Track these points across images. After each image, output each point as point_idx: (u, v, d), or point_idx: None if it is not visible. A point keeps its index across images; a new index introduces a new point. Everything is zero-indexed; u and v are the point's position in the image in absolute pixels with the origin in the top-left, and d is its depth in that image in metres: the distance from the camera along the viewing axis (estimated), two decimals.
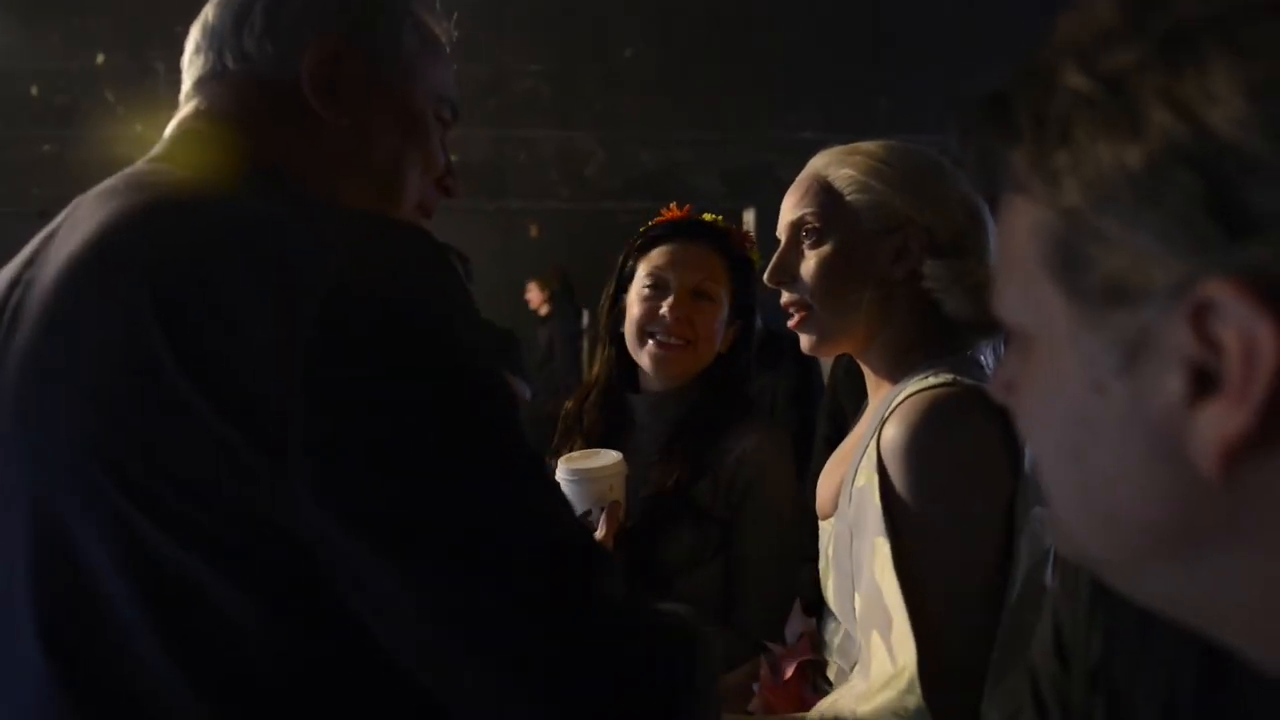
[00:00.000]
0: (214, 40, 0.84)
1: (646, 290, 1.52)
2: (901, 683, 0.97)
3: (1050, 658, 0.60)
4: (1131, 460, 0.39)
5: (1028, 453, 1.02)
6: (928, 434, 1.00)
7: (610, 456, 1.41)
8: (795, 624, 1.26)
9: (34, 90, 5.57)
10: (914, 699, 0.95)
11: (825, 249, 1.14)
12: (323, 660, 0.68)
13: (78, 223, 0.77)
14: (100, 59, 5.55)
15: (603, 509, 1.37)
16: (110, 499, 0.67)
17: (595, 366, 1.64)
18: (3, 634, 0.73)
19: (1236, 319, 0.35)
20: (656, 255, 1.54)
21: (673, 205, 1.60)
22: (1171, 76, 0.36)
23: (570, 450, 1.51)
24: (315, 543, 0.65)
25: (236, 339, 0.65)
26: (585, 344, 5.96)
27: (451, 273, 0.72)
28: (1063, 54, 0.40)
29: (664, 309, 1.49)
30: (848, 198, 1.13)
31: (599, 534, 1.36)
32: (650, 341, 1.51)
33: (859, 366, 1.21)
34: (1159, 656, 0.51)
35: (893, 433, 1.02)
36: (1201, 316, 0.36)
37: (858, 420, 1.26)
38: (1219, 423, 0.36)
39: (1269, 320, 0.35)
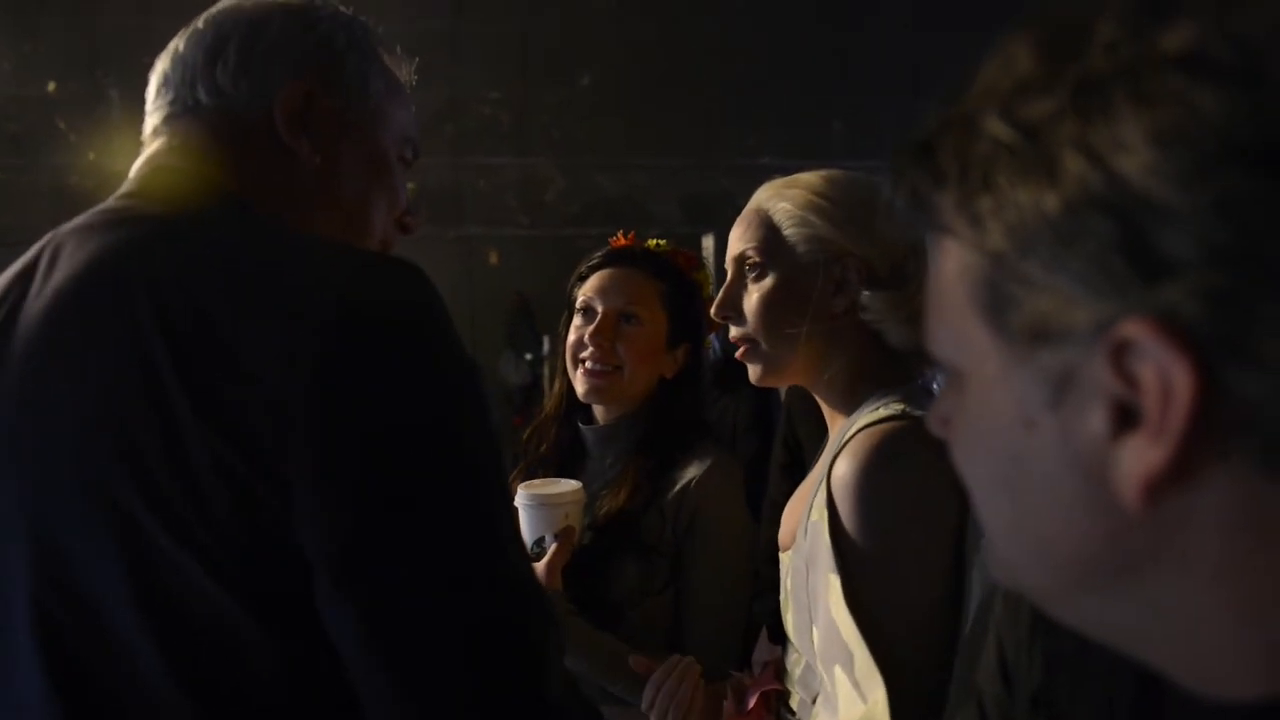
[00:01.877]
0: (185, 73, 0.85)
1: (577, 318, 1.55)
2: (874, 717, 0.97)
3: (995, 680, 0.61)
4: (1060, 493, 0.41)
5: None
6: (875, 470, 1.01)
7: (569, 485, 1.42)
8: (762, 652, 1.27)
9: None
10: None
11: (766, 283, 1.15)
12: (324, 680, 0.68)
13: (61, 259, 0.77)
14: (52, 86, 5.48)
15: (557, 536, 1.38)
16: (114, 522, 0.68)
17: (550, 399, 1.65)
18: (1, 667, 0.72)
19: (1153, 357, 0.36)
20: (589, 284, 1.56)
21: (619, 234, 1.62)
22: (1085, 126, 0.38)
23: (528, 479, 1.51)
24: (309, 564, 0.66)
25: (237, 366, 0.66)
26: (546, 370, 5.95)
27: (441, 305, 0.73)
28: (984, 101, 0.41)
29: (586, 335, 1.52)
30: (785, 232, 1.14)
31: (548, 559, 1.36)
32: (580, 368, 1.53)
33: (812, 395, 1.22)
34: (1097, 678, 0.53)
35: (842, 469, 1.03)
36: (1121, 355, 0.37)
37: (815, 449, 1.26)
38: (1140, 456, 0.38)
39: (1184, 358, 0.36)
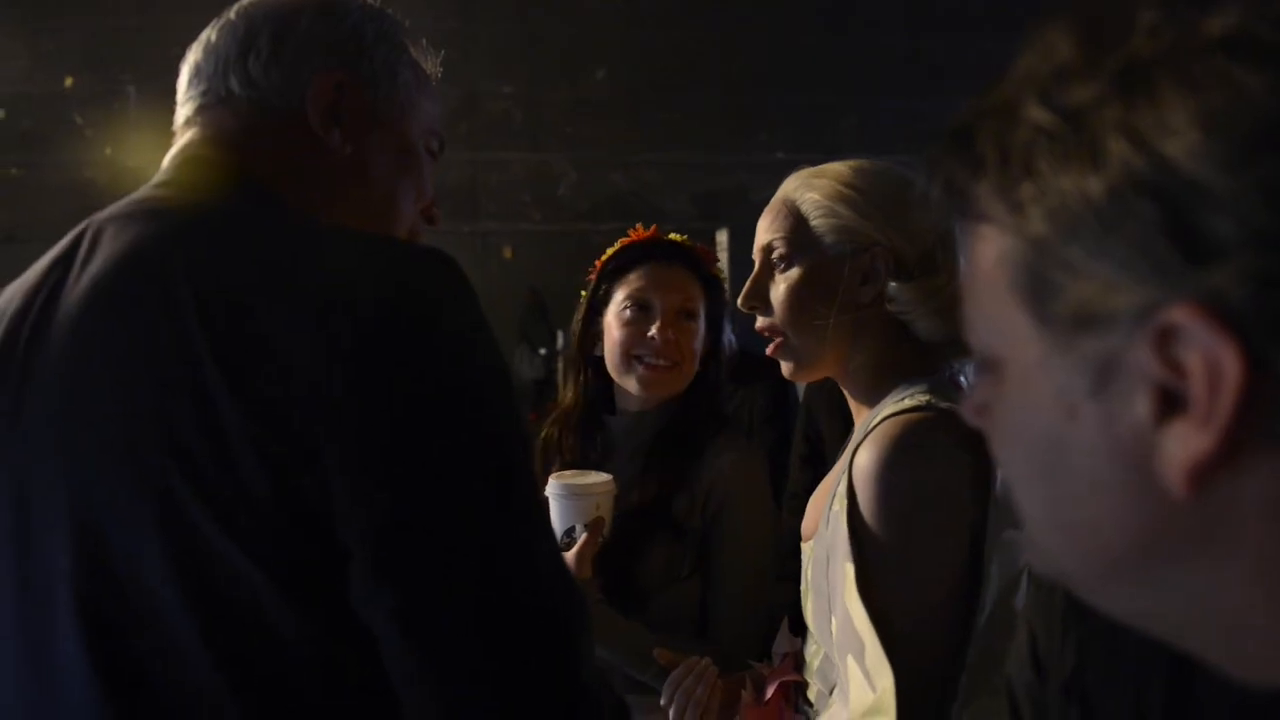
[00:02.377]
0: (218, 64, 0.85)
1: (629, 313, 1.52)
2: (882, 707, 0.97)
3: (1026, 669, 0.61)
4: (1102, 480, 0.40)
5: (999, 476, 1.03)
6: (894, 460, 1.02)
7: (600, 476, 1.43)
8: (782, 644, 1.27)
9: (0, 114, 5.51)
10: None
11: (793, 274, 1.15)
12: (359, 666, 0.69)
13: (100, 247, 0.78)
14: (69, 82, 5.51)
15: (587, 526, 1.39)
16: (158, 510, 0.69)
17: (569, 389, 1.64)
18: (45, 663, 0.73)
19: (1199, 343, 0.36)
20: (635, 278, 1.54)
21: (639, 226, 1.61)
22: (1129, 110, 0.38)
23: (559, 470, 1.52)
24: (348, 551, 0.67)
25: (275, 358, 0.67)
26: (560, 365, 5.96)
27: (473, 295, 0.74)
28: (1023, 89, 0.41)
29: (652, 332, 1.50)
30: (813, 222, 1.14)
31: (578, 548, 1.37)
32: (639, 365, 1.51)
33: (833, 388, 1.22)
34: (1129, 665, 0.53)
35: (863, 458, 1.04)
36: (1165, 341, 0.37)
37: (834, 441, 1.27)
38: (1185, 443, 0.38)
39: (1231, 343, 0.36)
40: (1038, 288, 0.40)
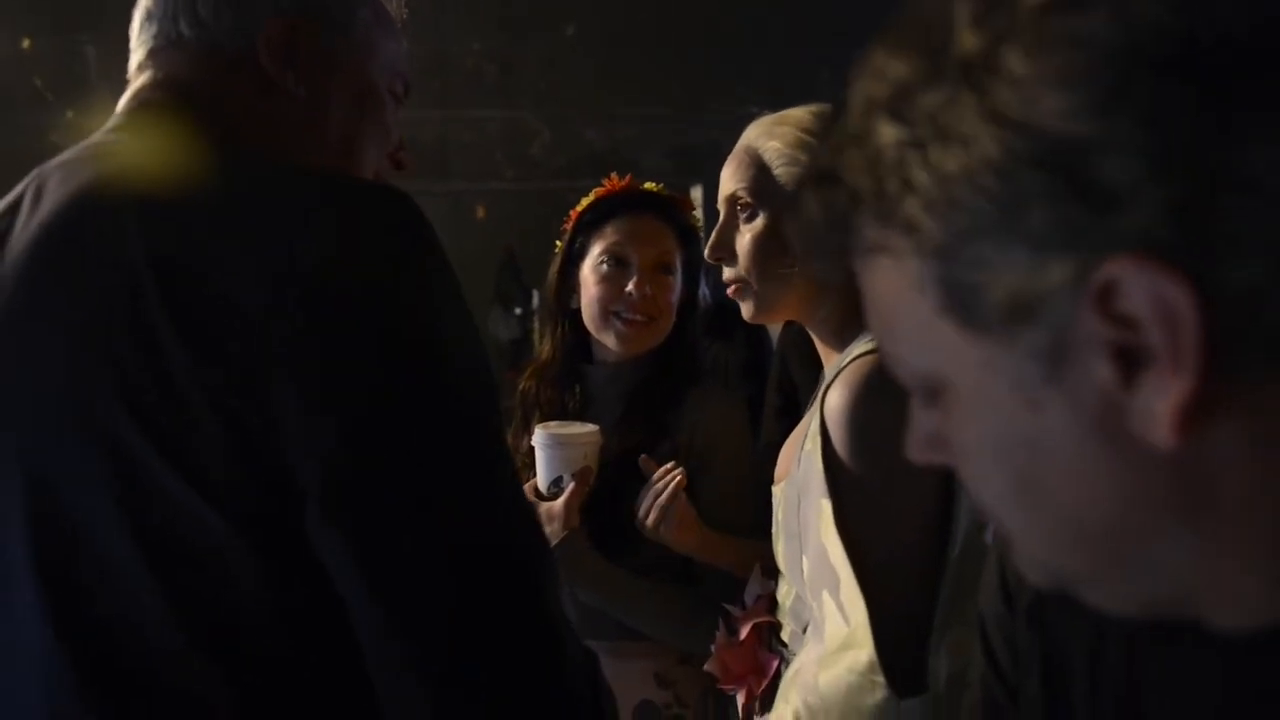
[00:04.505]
0: (167, 6, 0.83)
1: (606, 267, 1.51)
2: (856, 640, 0.99)
3: (995, 599, 0.61)
4: (1084, 464, 0.40)
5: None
6: (866, 397, 1.03)
7: (587, 426, 1.43)
8: (754, 586, 1.29)
9: None
10: (865, 653, 0.98)
11: (756, 224, 1.14)
12: (319, 609, 0.69)
13: (47, 193, 0.76)
14: (26, 43, 5.39)
15: (574, 476, 1.40)
16: (108, 453, 0.68)
17: (545, 343, 1.64)
18: (4, 615, 0.73)
19: (1142, 289, 0.36)
20: (611, 231, 1.52)
21: (613, 176, 1.59)
22: (984, 96, 0.37)
23: (530, 426, 1.52)
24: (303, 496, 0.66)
25: (225, 297, 0.66)
26: (536, 320, 5.95)
27: (429, 230, 0.72)
28: (871, 115, 0.41)
29: (630, 287, 1.49)
30: (775, 171, 1.14)
31: (565, 497, 1.38)
32: (617, 321, 1.50)
33: (807, 337, 1.23)
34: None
35: (834, 397, 1.05)
36: (1107, 300, 0.36)
37: (809, 392, 1.27)
38: (1162, 393, 0.37)
39: (1173, 277, 0.35)
40: (959, 297, 0.40)
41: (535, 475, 1.45)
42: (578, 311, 1.56)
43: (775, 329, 2.34)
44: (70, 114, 5.12)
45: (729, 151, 1.20)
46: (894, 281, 0.42)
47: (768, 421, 2.20)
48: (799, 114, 1.16)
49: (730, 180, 1.17)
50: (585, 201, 1.58)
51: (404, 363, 0.68)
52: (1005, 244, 0.38)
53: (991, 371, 0.40)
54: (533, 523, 0.74)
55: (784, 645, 1.19)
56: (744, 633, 1.24)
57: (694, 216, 1.60)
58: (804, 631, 1.13)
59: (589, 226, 1.55)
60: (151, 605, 0.68)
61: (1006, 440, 0.42)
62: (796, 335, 1.82)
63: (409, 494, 0.67)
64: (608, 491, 1.45)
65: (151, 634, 0.68)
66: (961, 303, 0.40)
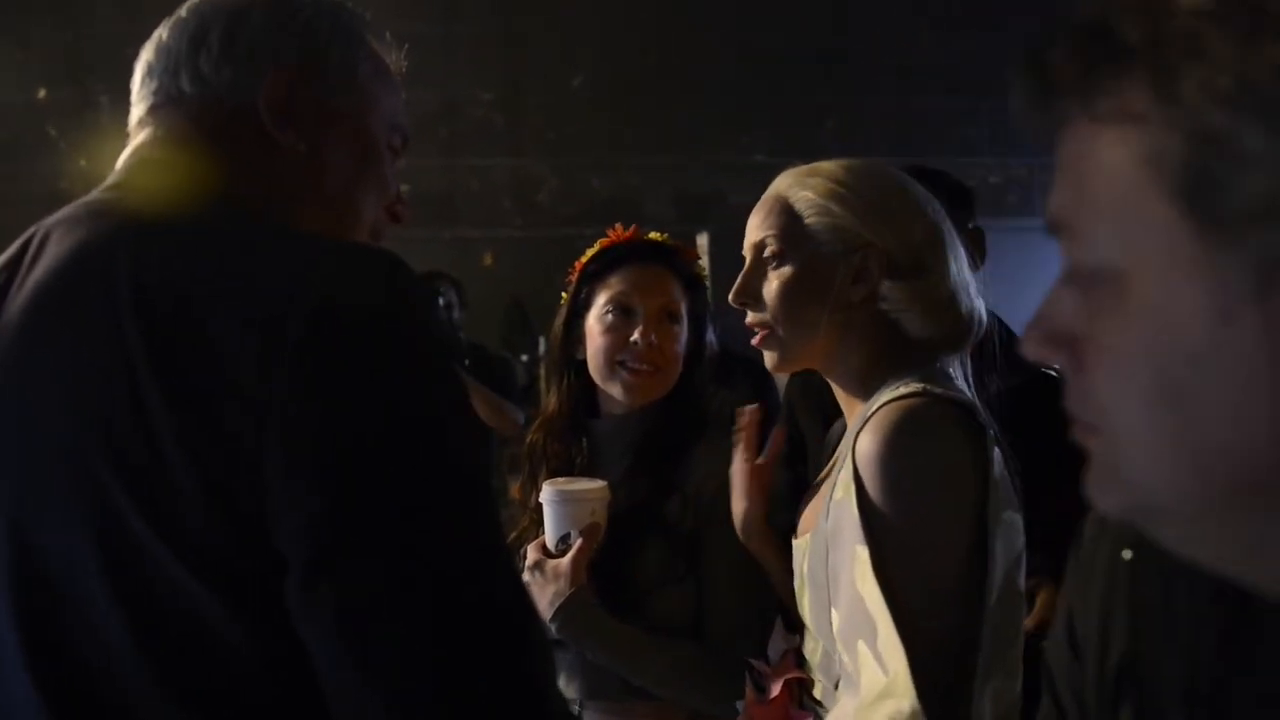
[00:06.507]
0: (169, 62, 0.84)
1: (611, 317, 1.50)
2: (896, 689, 0.98)
3: (1064, 651, 0.59)
4: (1260, 391, 0.37)
5: (996, 457, 1.04)
6: (900, 442, 1.03)
7: (595, 482, 1.42)
8: (778, 642, 1.27)
9: None
10: (907, 703, 0.96)
11: (785, 270, 1.15)
12: (300, 678, 0.67)
13: (44, 252, 0.77)
14: (43, 93, 5.46)
15: (581, 533, 1.38)
16: (94, 517, 0.68)
17: (551, 395, 1.63)
18: None
19: None
20: (617, 281, 1.52)
21: (618, 226, 1.59)
22: None
23: (538, 481, 1.51)
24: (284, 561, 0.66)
25: (218, 363, 0.66)
26: (542, 371, 5.95)
27: (420, 297, 0.72)
28: None
29: (635, 336, 1.48)
30: (807, 220, 1.15)
31: (572, 554, 1.36)
32: (623, 370, 1.50)
33: (815, 388, 1.23)
34: (1179, 640, 0.50)
35: (867, 442, 1.05)
36: None
37: (815, 440, 1.27)
38: None
39: None
40: (1200, 183, 0.37)
41: (543, 532, 1.44)
42: (584, 363, 1.55)
43: (782, 379, 2.34)
44: (83, 162, 5.17)
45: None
46: (1123, 154, 0.39)
47: (775, 473, 2.18)
48: (831, 167, 1.18)
49: (759, 228, 1.18)
50: (590, 252, 1.58)
51: (390, 431, 0.67)
52: (1276, 139, 0.35)
53: (1195, 271, 0.38)
54: (520, 591, 0.72)
55: (817, 703, 1.17)
56: (775, 690, 1.22)
57: (699, 265, 1.60)
58: (835, 687, 1.11)
59: (594, 277, 1.55)
60: (131, 660, 0.67)
61: (1170, 351, 0.39)
62: (802, 385, 1.81)
63: (393, 564, 0.66)
64: (615, 548, 1.43)
65: (131, 686, 0.68)
66: (1201, 191, 0.37)
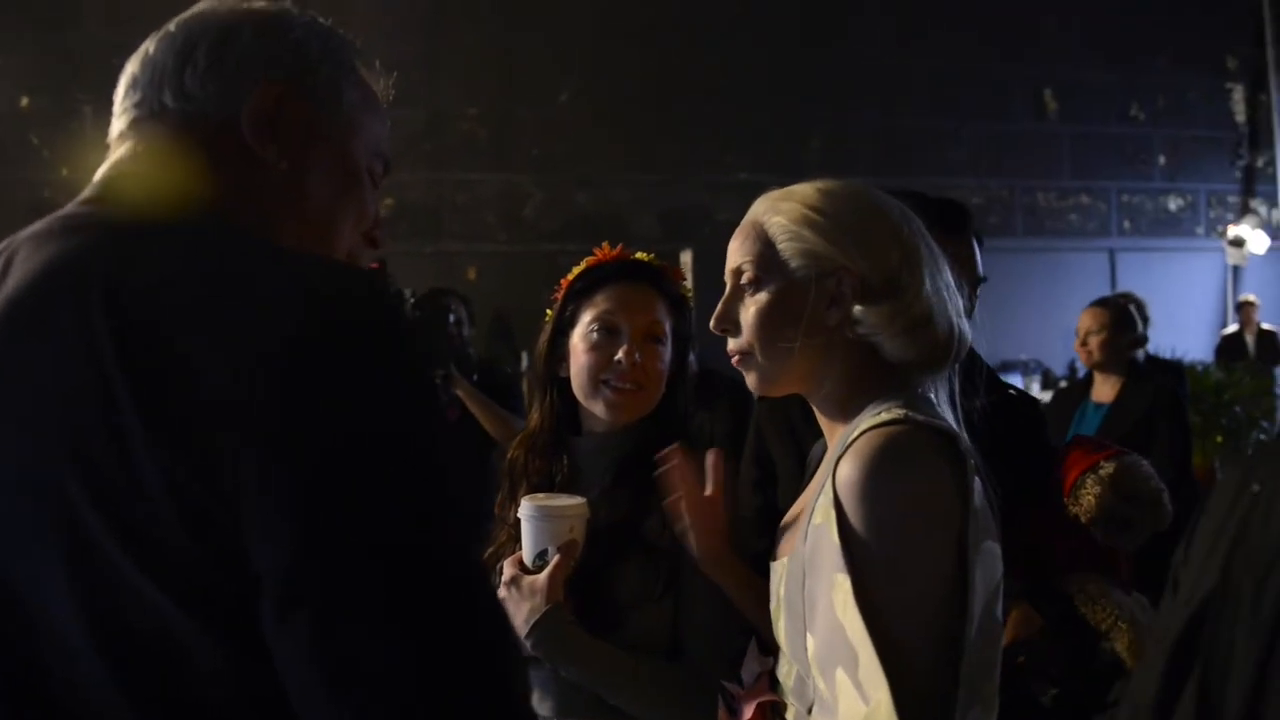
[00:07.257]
0: (154, 75, 0.83)
1: (596, 336, 1.50)
2: (877, 719, 0.97)
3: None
4: None
5: (976, 486, 1.04)
6: (880, 470, 1.02)
7: (574, 499, 1.41)
8: (752, 664, 1.26)
9: None
10: None
11: (760, 297, 1.15)
12: (277, 700, 0.67)
13: (15, 265, 0.75)
14: (25, 101, 5.44)
15: (559, 550, 1.37)
16: (65, 539, 0.66)
17: (534, 411, 1.63)
18: None
19: None
20: (602, 300, 1.52)
21: (605, 244, 1.60)
22: None
23: (518, 497, 1.50)
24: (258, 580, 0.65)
25: (194, 381, 0.65)
26: (524, 386, 5.94)
27: (393, 315, 0.72)
28: None
29: (619, 355, 1.48)
30: (780, 246, 1.15)
31: (549, 570, 1.36)
32: (606, 389, 1.49)
33: (783, 409, 1.23)
34: None
35: (847, 470, 1.04)
36: None
37: (786, 464, 1.26)
38: None
39: None
40: None
41: (520, 547, 1.43)
42: (567, 380, 1.55)
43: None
44: (65, 171, 5.15)
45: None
46: None
47: (743, 494, 2.18)
48: (805, 190, 1.17)
49: (736, 253, 1.18)
50: (576, 270, 1.58)
51: (366, 454, 0.66)
52: None
53: None
54: (495, 609, 0.71)
55: None
56: (748, 713, 1.21)
57: (685, 286, 1.60)
58: (809, 712, 1.11)
59: (579, 295, 1.55)
60: (103, 684, 0.66)
61: None
62: (769, 408, 1.81)
63: (368, 582, 0.65)
64: (594, 565, 1.43)
65: (102, 704, 0.67)
66: None
